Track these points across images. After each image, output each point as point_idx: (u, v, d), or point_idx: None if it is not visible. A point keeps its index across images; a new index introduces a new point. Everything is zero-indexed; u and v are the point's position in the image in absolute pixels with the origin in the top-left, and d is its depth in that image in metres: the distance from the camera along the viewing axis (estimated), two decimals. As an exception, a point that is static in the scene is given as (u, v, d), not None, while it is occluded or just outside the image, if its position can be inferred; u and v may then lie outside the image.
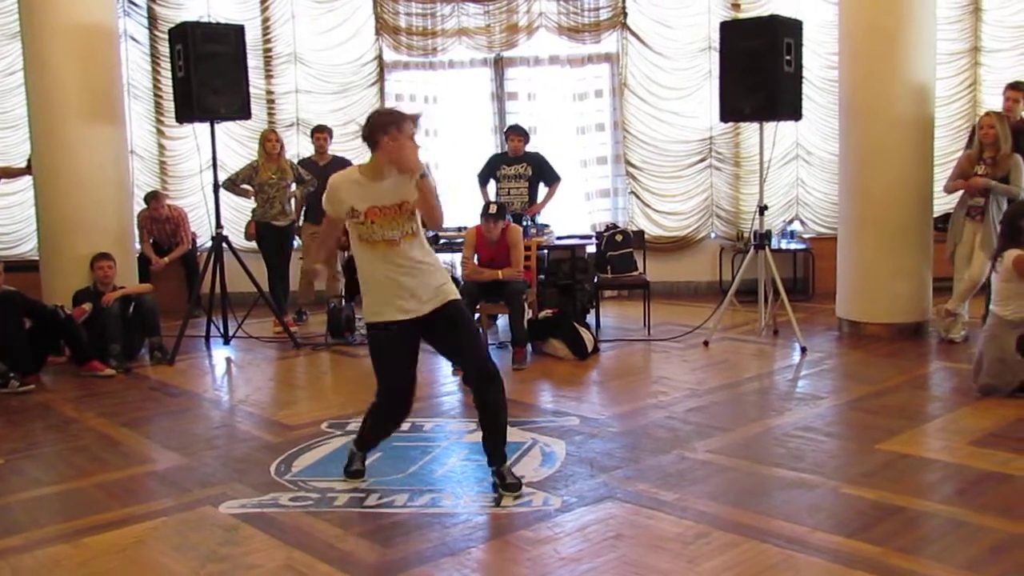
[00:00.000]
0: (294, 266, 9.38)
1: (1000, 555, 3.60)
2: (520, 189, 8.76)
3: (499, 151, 9.04)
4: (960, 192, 7.44)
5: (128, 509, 4.38)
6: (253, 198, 8.94)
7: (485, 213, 7.45)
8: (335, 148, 9.67)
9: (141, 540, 4.01)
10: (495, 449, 4.45)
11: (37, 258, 8.66)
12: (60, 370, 7.50)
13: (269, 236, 9.00)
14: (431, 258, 4.47)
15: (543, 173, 8.96)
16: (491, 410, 4.42)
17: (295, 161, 9.41)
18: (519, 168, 8.87)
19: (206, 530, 4.11)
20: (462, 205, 9.24)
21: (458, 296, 4.52)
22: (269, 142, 8.90)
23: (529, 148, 9.72)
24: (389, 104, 10.64)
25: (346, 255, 9.02)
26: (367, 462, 4.82)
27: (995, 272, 5.97)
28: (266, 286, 8.75)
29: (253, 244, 9.19)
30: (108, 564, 3.78)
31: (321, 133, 9.31)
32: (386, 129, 4.23)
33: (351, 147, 10.40)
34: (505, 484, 4.40)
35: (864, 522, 3.94)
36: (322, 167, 9.25)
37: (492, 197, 8.86)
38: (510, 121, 10.50)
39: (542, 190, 9.03)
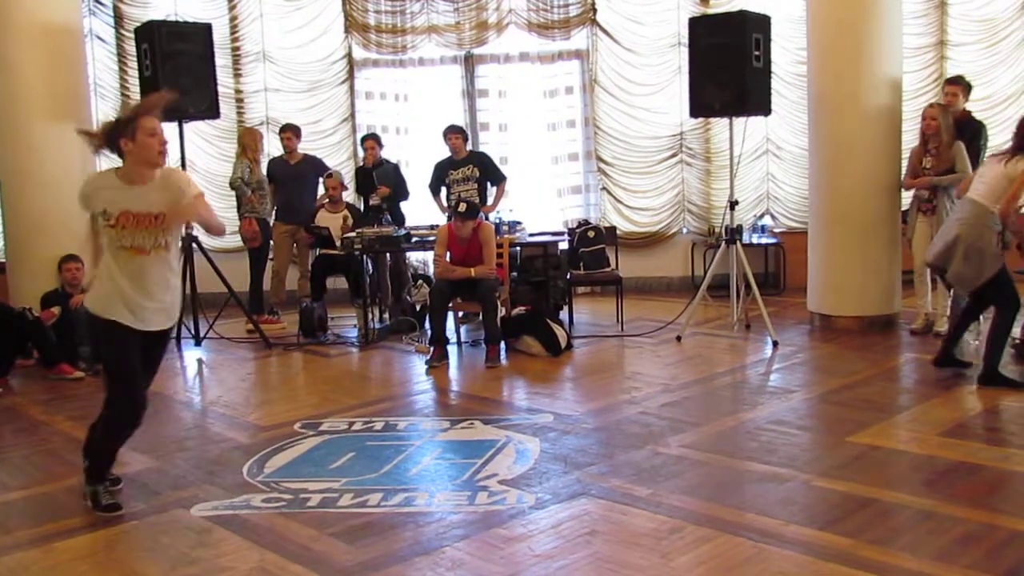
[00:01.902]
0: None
1: (969, 545, 3.64)
2: (470, 191, 8.72)
3: (444, 158, 8.99)
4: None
5: (98, 513, 4.33)
6: (250, 193, 8.91)
7: (455, 212, 7.45)
8: (305, 147, 9.63)
9: (112, 544, 3.98)
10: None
11: (3, 260, 8.57)
12: (28, 373, 7.41)
13: (266, 232, 9.09)
14: (176, 279, 4.41)
15: (489, 173, 8.95)
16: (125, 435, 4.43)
17: (265, 161, 9.38)
18: (466, 171, 8.84)
19: (178, 533, 4.07)
20: (433, 203, 9.20)
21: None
22: (261, 139, 9.02)
23: (494, 146, 9.81)
24: (359, 103, 10.61)
25: (316, 252, 9.01)
26: (338, 462, 4.79)
27: (1003, 167, 5.81)
28: (238, 285, 8.64)
29: (231, 244, 9.20)
30: (78, 569, 3.74)
31: (287, 132, 9.26)
32: (123, 133, 4.09)
33: (322, 145, 10.40)
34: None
35: (836, 514, 3.97)
36: (292, 166, 9.21)
37: (444, 204, 8.87)
38: (481, 119, 10.54)
39: (492, 190, 9.03)
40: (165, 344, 4.54)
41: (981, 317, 6.69)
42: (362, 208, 9.31)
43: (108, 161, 10.62)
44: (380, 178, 8.82)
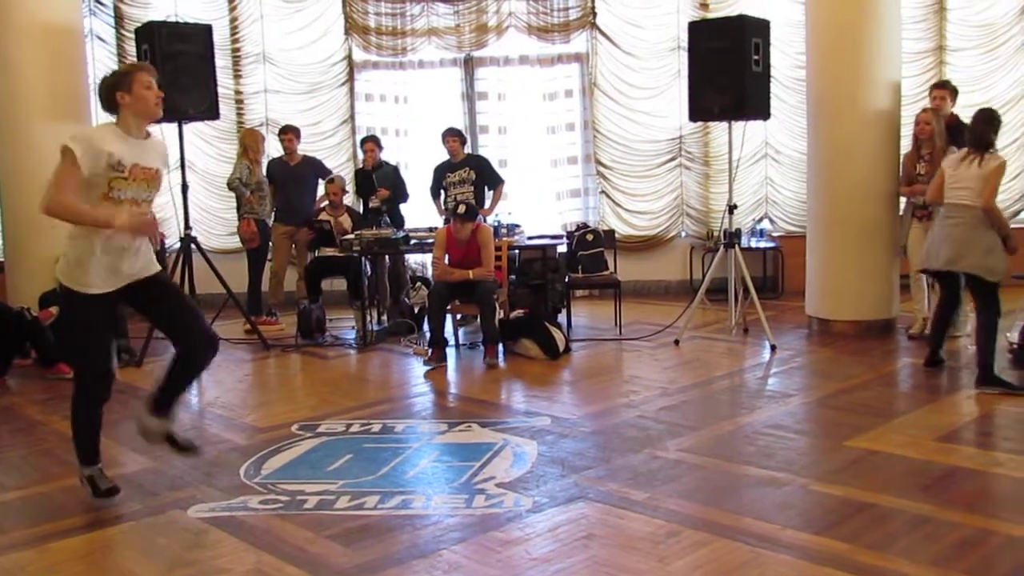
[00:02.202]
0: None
1: (966, 550, 3.64)
2: (467, 193, 8.73)
3: (442, 161, 9.01)
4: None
5: (95, 513, 4.33)
6: (249, 194, 8.90)
7: (455, 214, 7.46)
8: (305, 148, 9.63)
9: (108, 545, 3.97)
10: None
11: (2, 260, 8.56)
12: (26, 372, 7.41)
13: (265, 233, 9.08)
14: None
15: (486, 176, 8.96)
16: (197, 369, 4.52)
17: (266, 162, 9.37)
18: (463, 173, 8.86)
19: (174, 534, 4.07)
20: (431, 206, 9.21)
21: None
22: (262, 141, 8.99)
23: (493, 149, 9.82)
24: (359, 105, 10.62)
25: (314, 255, 9.01)
26: (335, 464, 4.78)
27: (977, 168, 5.97)
28: (236, 287, 8.64)
29: (230, 245, 9.19)
30: (74, 569, 3.74)
31: (287, 134, 9.25)
32: (119, 86, 4.15)
33: (322, 147, 10.40)
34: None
35: (833, 519, 3.97)
36: (292, 167, 9.21)
37: (443, 207, 8.88)
38: (480, 121, 10.55)
39: (489, 193, 9.04)
40: (165, 282, 4.52)
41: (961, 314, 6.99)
42: (361, 210, 9.32)
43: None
44: (380, 180, 8.83)
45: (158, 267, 4.42)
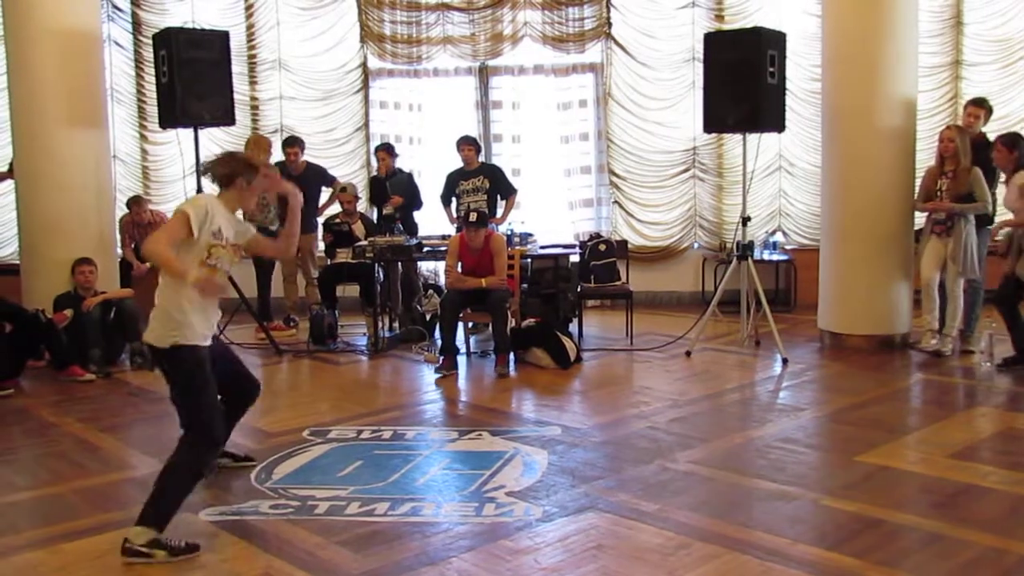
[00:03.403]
0: (276, 271, 9.41)
1: (978, 569, 3.63)
2: (479, 202, 8.75)
3: (455, 168, 9.03)
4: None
5: (106, 515, 4.35)
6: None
7: (466, 222, 7.47)
8: (319, 156, 9.66)
9: (119, 547, 3.97)
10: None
11: (18, 262, 8.60)
12: (39, 374, 7.44)
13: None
14: None
15: (499, 186, 8.97)
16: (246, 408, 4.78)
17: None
18: (476, 181, 8.87)
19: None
20: (444, 214, 9.24)
21: None
22: (267, 148, 8.96)
23: (507, 158, 9.84)
24: (374, 112, 10.64)
25: (327, 262, 9.03)
26: (345, 470, 4.79)
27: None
28: (248, 292, 8.69)
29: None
30: (85, 570, 3.76)
31: (292, 148, 9.25)
32: (245, 174, 4.32)
33: (336, 154, 10.44)
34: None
35: (844, 534, 3.96)
36: (295, 177, 9.22)
37: (454, 215, 8.89)
38: (494, 130, 10.56)
39: (502, 203, 9.05)
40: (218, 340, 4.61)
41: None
42: (375, 218, 9.34)
43: (123, 166, 10.70)
44: (393, 188, 8.85)
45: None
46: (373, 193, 9.39)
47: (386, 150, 9.22)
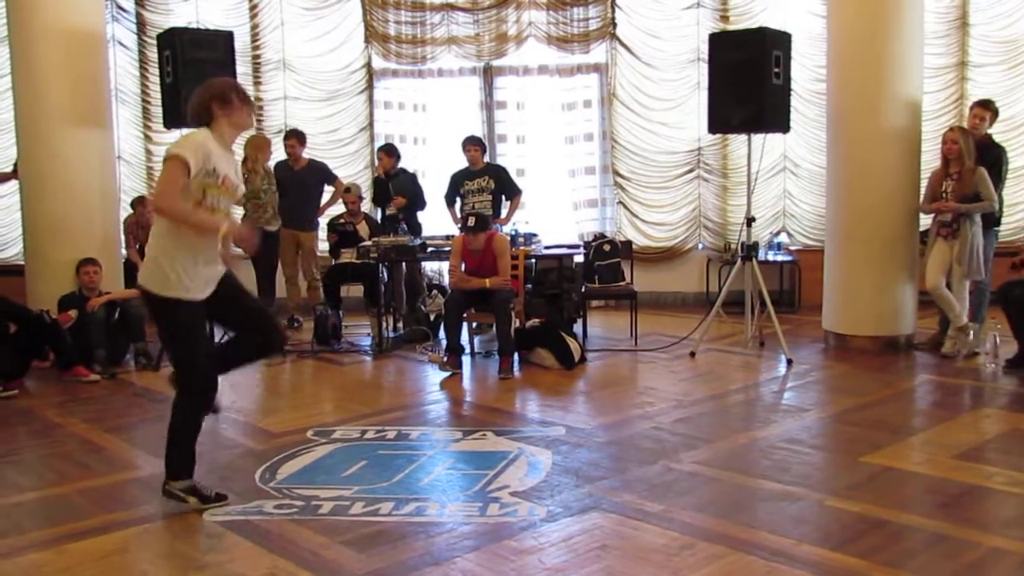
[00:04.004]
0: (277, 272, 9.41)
1: (983, 570, 3.62)
2: (484, 202, 8.76)
3: (460, 168, 9.04)
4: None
5: (111, 516, 4.35)
6: (244, 205, 8.89)
7: (465, 226, 7.47)
8: (323, 155, 9.66)
9: (124, 547, 3.99)
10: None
11: (22, 263, 8.62)
12: (44, 375, 7.45)
13: (261, 242, 8.87)
14: None
15: (504, 186, 8.98)
16: (263, 355, 4.83)
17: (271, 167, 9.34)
18: (481, 182, 8.87)
19: (190, 537, 4.09)
20: (449, 214, 9.24)
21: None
22: (264, 148, 8.92)
23: (511, 158, 9.84)
24: (378, 113, 10.65)
25: (331, 262, 9.03)
26: (350, 470, 4.78)
27: None
28: (254, 292, 8.70)
29: (240, 250, 9.12)
30: (90, 571, 3.76)
31: (290, 140, 9.29)
32: (215, 98, 4.23)
33: (340, 154, 10.45)
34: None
35: (848, 535, 3.95)
36: (296, 172, 9.24)
37: (459, 215, 8.89)
38: (499, 130, 10.57)
39: (506, 203, 9.06)
40: (232, 277, 4.51)
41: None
42: (379, 218, 9.35)
43: (127, 167, 10.71)
44: (396, 188, 8.86)
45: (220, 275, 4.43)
46: (377, 193, 9.40)
47: (386, 151, 9.23)
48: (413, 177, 9.36)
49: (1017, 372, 6.85)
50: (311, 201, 9.38)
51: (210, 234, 4.13)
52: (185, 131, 8.20)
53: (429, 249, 8.35)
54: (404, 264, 8.82)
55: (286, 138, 9.38)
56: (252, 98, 10.17)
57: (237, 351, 4.61)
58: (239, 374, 7.31)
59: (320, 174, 9.42)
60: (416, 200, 9.13)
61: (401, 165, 9.27)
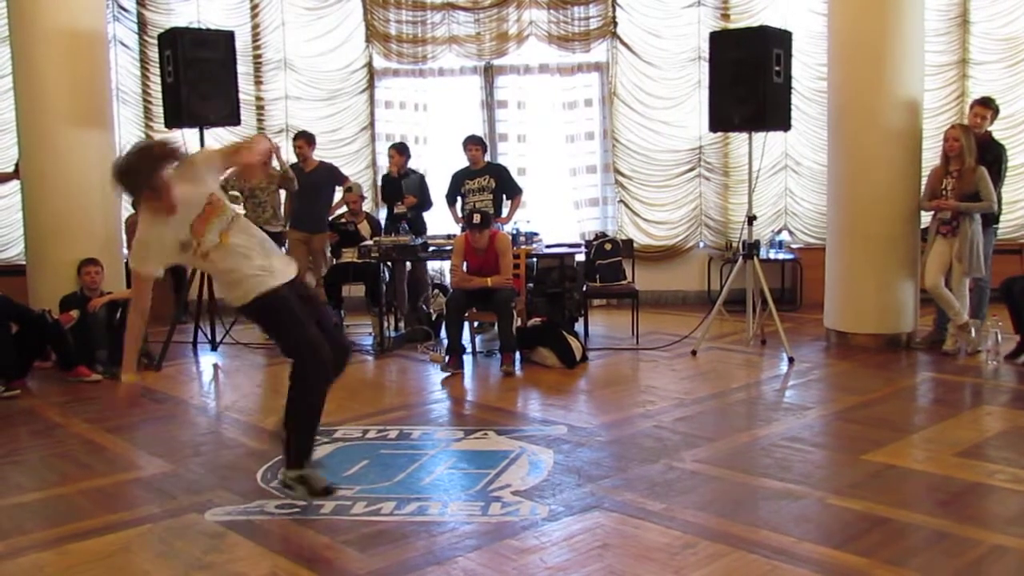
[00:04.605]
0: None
1: (984, 567, 3.62)
2: (485, 201, 8.76)
3: (461, 168, 9.05)
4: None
5: (113, 516, 4.36)
6: (242, 204, 8.88)
7: (469, 223, 7.47)
8: (324, 155, 9.65)
9: (126, 547, 3.99)
10: None
11: (24, 263, 8.63)
12: (46, 375, 7.46)
13: None
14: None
15: (505, 186, 8.98)
16: (334, 379, 4.52)
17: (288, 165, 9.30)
18: (482, 181, 8.88)
19: (191, 537, 4.09)
20: (450, 214, 9.25)
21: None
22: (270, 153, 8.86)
23: (512, 157, 9.84)
24: (379, 112, 10.65)
25: (332, 261, 9.04)
26: (351, 469, 4.79)
27: None
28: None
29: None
30: (92, 571, 3.76)
31: (299, 140, 9.25)
32: (144, 188, 4.06)
33: (341, 153, 10.44)
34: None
35: (850, 533, 3.95)
36: (308, 173, 9.21)
37: (459, 214, 8.90)
38: (500, 129, 10.57)
39: (507, 203, 9.07)
40: (307, 287, 4.61)
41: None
42: (385, 216, 9.36)
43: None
44: (408, 187, 8.90)
45: (294, 272, 4.45)
46: (385, 192, 9.40)
47: (397, 149, 9.24)
48: (422, 178, 9.37)
49: (1018, 365, 6.87)
50: (323, 203, 9.35)
51: (224, 254, 4.20)
52: (185, 131, 8.32)
53: (431, 248, 8.37)
54: (411, 264, 8.86)
55: (294, 139, 9.35)
56: (253, 98, 10.33)
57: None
58: (241, 375, 7.39)
59: (330, 175, 9.38)
60: (423, 200, 9.16)
61: (408, 165, 9.28)
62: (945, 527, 3.99)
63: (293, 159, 9.65)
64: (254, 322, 4.47)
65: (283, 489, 4.43)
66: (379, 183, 10.09)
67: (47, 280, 7.99)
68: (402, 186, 8.95)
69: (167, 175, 4.00)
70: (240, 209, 4.04)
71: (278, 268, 4.34)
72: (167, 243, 4.13)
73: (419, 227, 9.04)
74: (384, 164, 10.59)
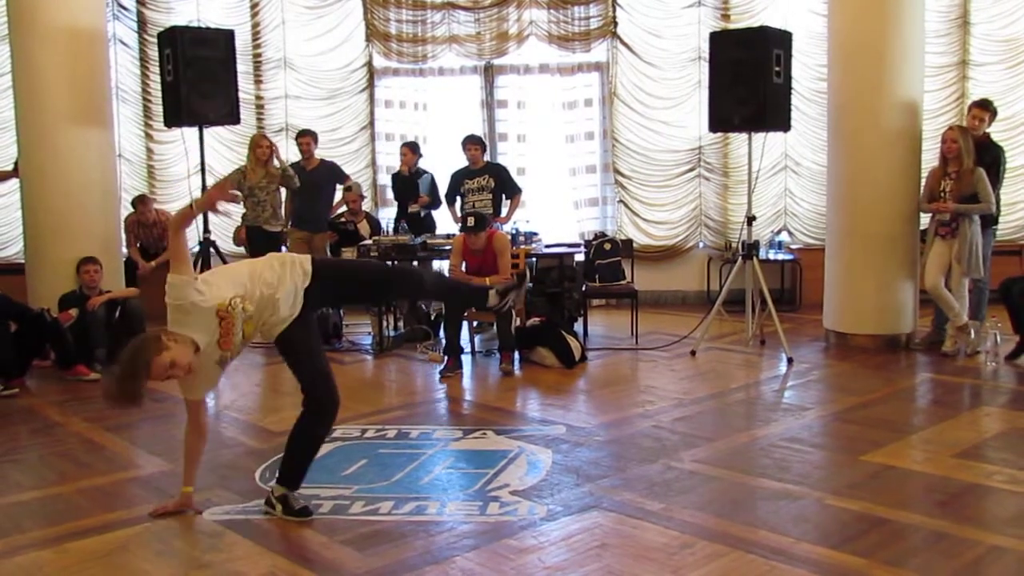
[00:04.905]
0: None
1: (982, 568, 3.62)
2: (484, 201, 8.77)
3: (461, 167, 9.06)
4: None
5: (112, 515, 4.36)
6: (242, 203, 8.86)
7: (465, 226, 7.47)
8: (323, 154, 9.65)
9: (124, 546, 3.99)
10: None
11: (23, 261, 8.62)
12: (45, 374, 7.46)
13: (259, 241, 8.72)
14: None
15: (504, 185, 8.98)
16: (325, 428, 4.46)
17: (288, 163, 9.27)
18: (481, 180, 8.88)
19: (190, 536, 4.09)
20: (447, 211, 9.26)
21: None
22: (260, 147, 8.84)
23: (512, 157, 9.83)
24: (379, 111, 10.65)
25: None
26: (350, 469, 4.79)
27: None
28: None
29: (242, 249, 9.12)
30: (91, 570, 3.76)
31: (305, 138, 9.24)
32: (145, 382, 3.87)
33: (341, 152, 10.44)
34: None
35: (849, 534, 3.95)
36: (309, 172, 9.20)
37: (459, 214, 8.90)
38: (499, 129, 10.57)
39: (506, 202, 9.08)
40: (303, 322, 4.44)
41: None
42: (395, 213, 9.38)
43: (128, 165, 10.70)
44: (423, 187, 8.96)
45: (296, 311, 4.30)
46: (399, 190, 9.38)
47: (410, 147, 9.27)
48: (433, 176, 9.37)
49: (1017, 366, 6.88)
50: (324, 202, 9.34)
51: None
52: (185, 130, 8.32)
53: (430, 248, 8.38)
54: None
55: (300, 137, 9.32)
56: (253, 97, 10.34)
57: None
58: (240, 374, 7.39)
59: (332, 174, 9.37)
60: (435, 199, 9.20)
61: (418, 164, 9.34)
62: (943, 528, 3.99)
63: (292, 158, 9.66)
64: (281, 353, 4.38)
65: (265, 504, 4.34)
66: (389, 182, 10.04)
67: (46, 279, 7.99)
68: (418, 185, 8.98)
69: (162, 356, 3.81)
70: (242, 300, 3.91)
71: (288, 312, 4.22)
72: (209, 371, 4.11)
73: (429, 226, 9.07)
74: (384, 163, 10.65)
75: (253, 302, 4.05)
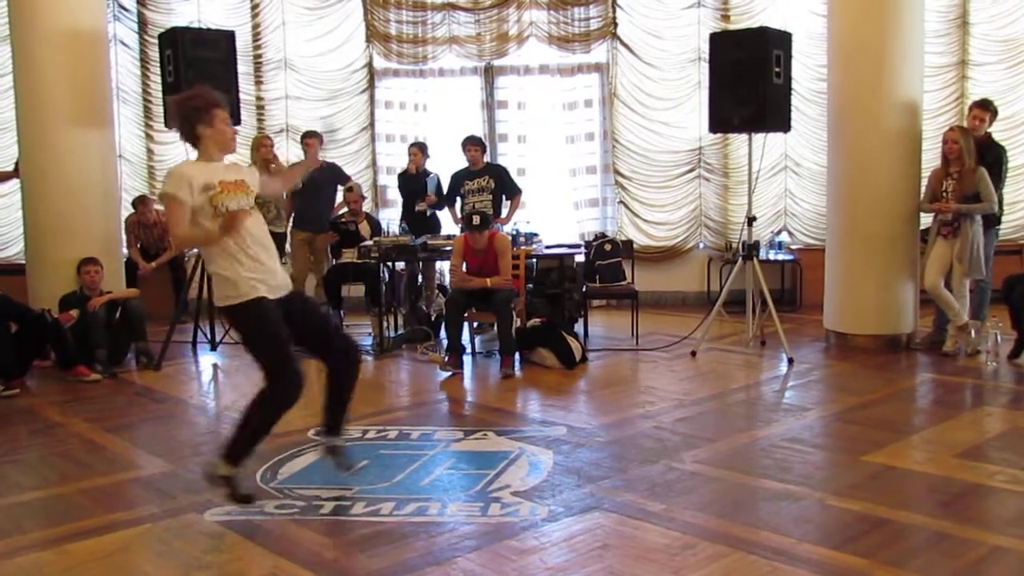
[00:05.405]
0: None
1: (984, 568, 3.61)
2: (484, 202, 8.76)
3: (461, 168, 9.06)
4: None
5: (112, 515, 4.35)
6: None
7: (468, 225, 7.47)
8: (324, 155, 9.65)
9: (125, 547, 3.99)
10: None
11: (23, 262, 8.62)
12: (45, 374, 7.46)
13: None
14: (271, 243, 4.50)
15: (505, 186, 8.98)
16: (352, 383, 4.65)
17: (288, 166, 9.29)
18: (481, 181, 8.87)
19: (191, 537, 4.08)
20: (447, 212, 9.27)
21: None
22: (264, 147, 8.85)
23: (512, 158, 9.83)
24: (379, 112, 10.66)
25: (332, 261, 9.04)
26: (352, 470, 4.79)
27: None
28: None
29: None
30: (91, 571, 3.76)
31: (310, 139, 9.25)
32: (200, 120, 4.29)
33: (341, 153, 10.44)
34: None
35: (850, 534, 3.95)
36: (312, 173, 9.19)
37: (459, 215, 8.91)
38: (500, 130, 10.57)
39: (507, 203, 9.07)
40: (306, 300, 4.71)
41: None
42: (401, 212, 9.38)
43: (128, 166, 10.70)
44: (430, 187, 8.99)
45: (290, 286, 4.53)
46: (406, 189, 9.39)
47: (419, 147, 9.27)
48: (439, 177, 9.38)
49: (1017, 365, 6.88)
50: (326, 202, 9.35)
51: (236, 234, 4.23)
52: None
53: (430, 249, 8.37)
54: (420, 263, 8.91)
55: (305, 138, 9.33)
56: (253, 98, 10.35)
57: (336, 387, 4.66)
58: (239, 374, 7.38)
59: (333, 175, 9.38)
60: (441, 199, 9.22)
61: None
62: (945, 528, 3.99)
63: (293, 158, 9.67)
64: (232, 327, 4.48)
65: (206, 479, 4.40)
66: (394, 181, 10.02)
67: (47, 279, 7.99)
68: (426, 184, 9.00)
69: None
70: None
71: (275, 283, 4.35)
72: (195, 183, 4.21)
73: (435, 226, 9.12)
74: (384, 164, 10.64)
75: (256, 225, 4.40)
